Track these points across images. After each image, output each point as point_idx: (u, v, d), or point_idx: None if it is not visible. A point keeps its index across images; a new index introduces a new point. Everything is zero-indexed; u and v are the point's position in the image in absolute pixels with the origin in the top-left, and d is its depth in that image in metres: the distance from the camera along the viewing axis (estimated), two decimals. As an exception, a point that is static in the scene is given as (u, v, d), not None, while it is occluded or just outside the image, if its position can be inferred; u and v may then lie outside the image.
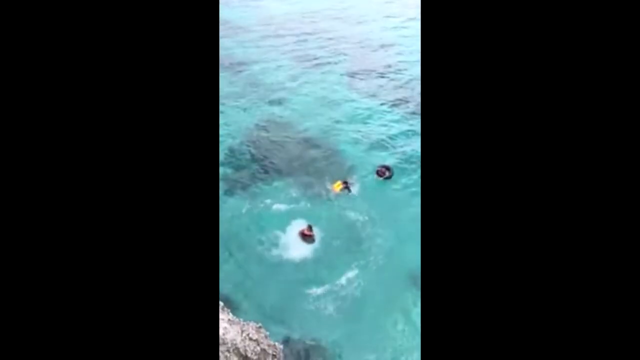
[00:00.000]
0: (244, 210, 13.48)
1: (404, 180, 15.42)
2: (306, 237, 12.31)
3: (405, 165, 16.18)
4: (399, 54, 27.35)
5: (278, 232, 12.61)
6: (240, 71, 23.20)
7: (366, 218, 13.34)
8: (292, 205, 13.75)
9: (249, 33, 29.14)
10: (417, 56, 25.63)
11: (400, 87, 22.92)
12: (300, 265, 11.71)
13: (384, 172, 15.21)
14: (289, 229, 12.70)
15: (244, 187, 14.59)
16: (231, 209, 13.30)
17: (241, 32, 29.19)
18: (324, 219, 13.23)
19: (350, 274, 11.46)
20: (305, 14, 34.25)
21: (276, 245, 12.25)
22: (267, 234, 12.59)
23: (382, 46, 28.65)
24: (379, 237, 12.72)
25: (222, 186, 14.33)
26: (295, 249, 12.06)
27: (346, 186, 14.44)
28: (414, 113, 20.24)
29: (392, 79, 23.79)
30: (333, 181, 14.68)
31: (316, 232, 12.47)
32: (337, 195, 14.29)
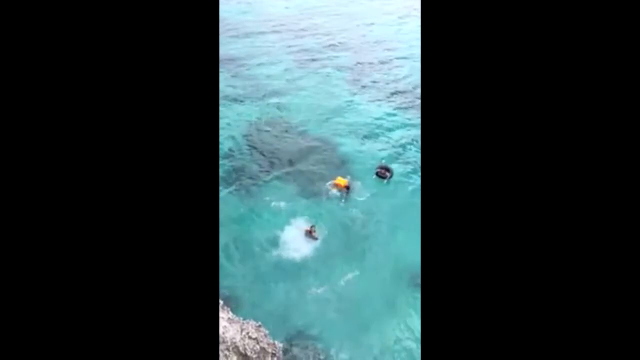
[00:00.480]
0: (242, 209, 13.44)
1: (400, 169, 15.48)
2: (311, 237, 12.33)
3: (402, 158, 16.23)
4: (394, 50, 27.29)
5: (277, 231, 12.58)
6: (238, 67, 23.09)
7: (366, 216, 13.33)
8: (290, 203, 13.72)
9: (247, 29, 28.98)
10: (413, 51, 25.60)
11: (397, 81, 22.89)
12: (300, 264, 11.70)
13: (384, 174, 15.21)
14: (288, 227, 12.68)
15: (242, 184, 14.55)
16: (229, 207, 13.26)
17: (240, 28, 29.03)
18: (324, 217, 13.22)
19: (350, 274, 11.44)
20: (303, 10, 34.09)
21: (275, 244, 12.22)
22: (266, 232, 12.56)
23: (379, 42, 28.56)
24: (378, 234, 12.72)
25: (221, 183, 14.29)
26: (295, 249, 12.04)
27: (347, 190, 14.32)
28: (409, 107, 20.23)
29: (388, 74, 23.74)
30: (337, 177, 14.69)
31: (318, 231, 12.50)
32: (334, 188, 14.27)
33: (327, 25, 30.99)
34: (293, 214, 13.17)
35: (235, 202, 13.67)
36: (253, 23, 30.38)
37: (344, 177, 14.66)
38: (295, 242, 12.22)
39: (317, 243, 12.24)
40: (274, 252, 11.97)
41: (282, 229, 12.61)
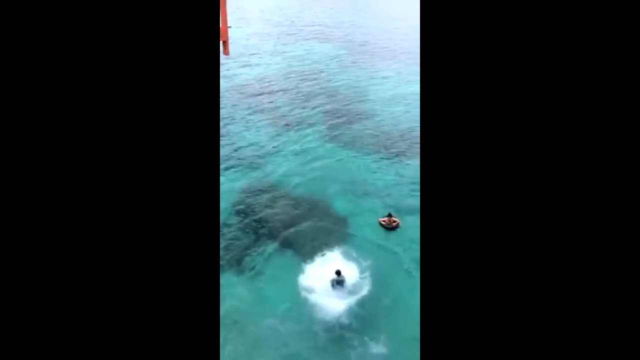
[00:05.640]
0: (240, 288, 12.60)
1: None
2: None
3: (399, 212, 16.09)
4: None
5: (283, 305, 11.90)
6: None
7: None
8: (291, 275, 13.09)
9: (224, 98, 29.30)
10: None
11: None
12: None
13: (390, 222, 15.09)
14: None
15: (239, 261, 13.87)
16: (227, 287, 12.39)
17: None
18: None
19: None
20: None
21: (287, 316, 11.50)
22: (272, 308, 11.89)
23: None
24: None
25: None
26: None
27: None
28: (398, 156, 20.46)
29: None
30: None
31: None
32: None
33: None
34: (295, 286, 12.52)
35: (232, 281, 12.92)
36: (228, 92, 30.79)
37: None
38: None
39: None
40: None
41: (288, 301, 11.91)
